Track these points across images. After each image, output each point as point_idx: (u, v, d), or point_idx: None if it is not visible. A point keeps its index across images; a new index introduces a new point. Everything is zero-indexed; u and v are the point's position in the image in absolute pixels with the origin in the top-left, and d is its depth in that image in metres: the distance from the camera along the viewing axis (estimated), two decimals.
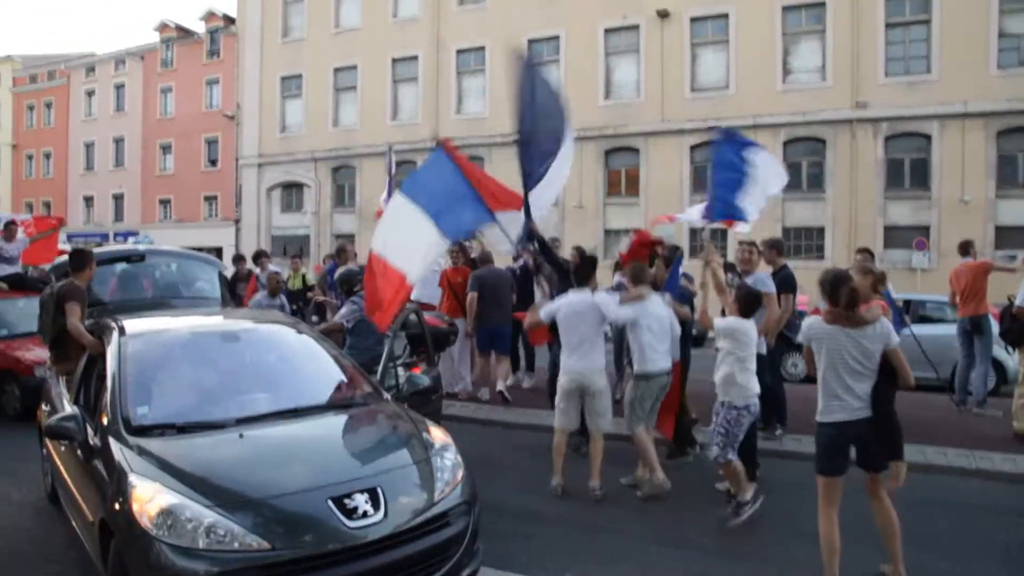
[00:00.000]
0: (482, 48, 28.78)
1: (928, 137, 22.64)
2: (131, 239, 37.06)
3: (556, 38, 27.66)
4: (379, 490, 3.47)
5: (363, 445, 4.05)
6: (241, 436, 3.70)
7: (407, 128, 30.02)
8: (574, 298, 6.04)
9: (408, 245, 5.88)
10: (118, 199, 41.39)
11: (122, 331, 4.45)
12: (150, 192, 39.89)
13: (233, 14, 36.68)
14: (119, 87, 41.59)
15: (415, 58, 30.38)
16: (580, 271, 6.28)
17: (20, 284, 9.75)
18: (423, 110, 29.98)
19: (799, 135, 24.12)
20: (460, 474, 3.90)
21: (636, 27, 26.45)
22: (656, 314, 6.15)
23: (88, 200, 42.74)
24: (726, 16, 25.23)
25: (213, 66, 37.73)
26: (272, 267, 10.34)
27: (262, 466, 3.52)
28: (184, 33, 39.36)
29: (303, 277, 10.52)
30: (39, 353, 8.39)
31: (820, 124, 23.65)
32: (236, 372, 4.51)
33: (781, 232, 22.61)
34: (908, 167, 23.10)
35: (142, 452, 3.52)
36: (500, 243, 7.01)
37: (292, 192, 33.99)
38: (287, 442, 3.81)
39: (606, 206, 26.98)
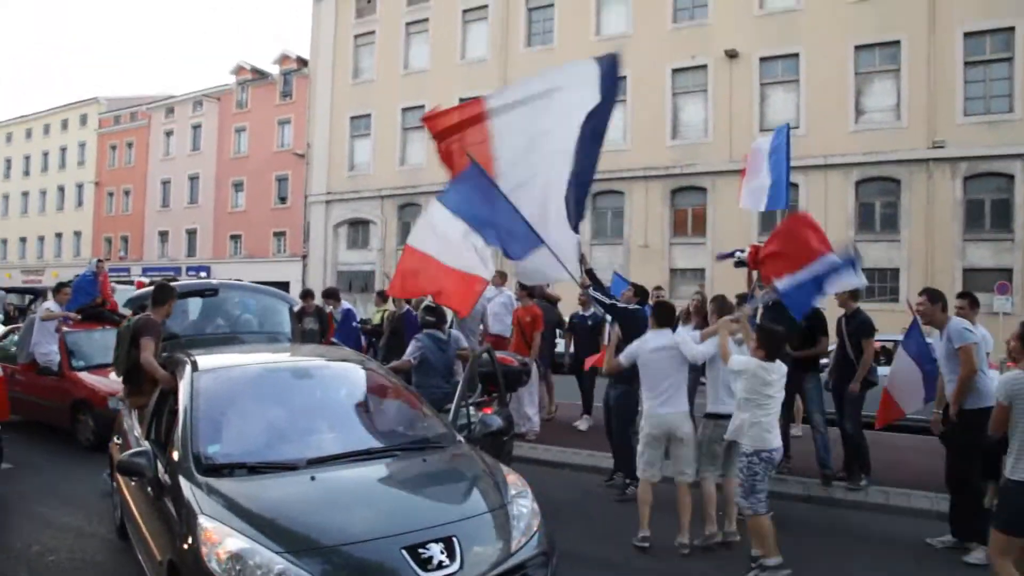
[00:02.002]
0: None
1: (1011, 177, 21.73)
2: (202, 273, 38.20)
3: (623, 78, 27.62)
4: (455, 539, 3.30)
5: (438, 490, 3.88)
6: (313, 479, 3.57)
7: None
8: (653, 340, 5.80)
9: (450, 242, 5.91)
10: (191, 234, 42.77)
11: (195, 366, 4.40)
12: (222, 228, 41.10)
13: (306, 56, 37.89)
14: (196, 127, 43.26)
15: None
16: (659, 312, 6.04)
17: (97, 316, 10.01)
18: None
19: (872, 175, 23.47)
20: (537, 522, 3.70)
21: (704, 67, 26.28)
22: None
23: (163, 235, 44.29)
24: (796, 56, 24.88)
25: (285, 107, 38.95)
26: (346, 304, 10.37)
27: (334, 511, 3.39)
28: (259, 75, 40.81)
29: (383, 314, 10.43)
30: (114, 385, 8.56)
31: (894, 164, 22.97)
32: (307, 410, 4.40)
33: None
34: (989, 208, 22.17)
35: (212, 492, 3.43)
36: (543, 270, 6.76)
37: (358, 229, 34.58)
38: (359, 486, 3.68)
39: (672, 246, 26.60)
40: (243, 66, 41.19)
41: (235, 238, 40.72)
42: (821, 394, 7.38)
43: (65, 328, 9.48)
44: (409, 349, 6.77)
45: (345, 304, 10.29)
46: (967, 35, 22.46)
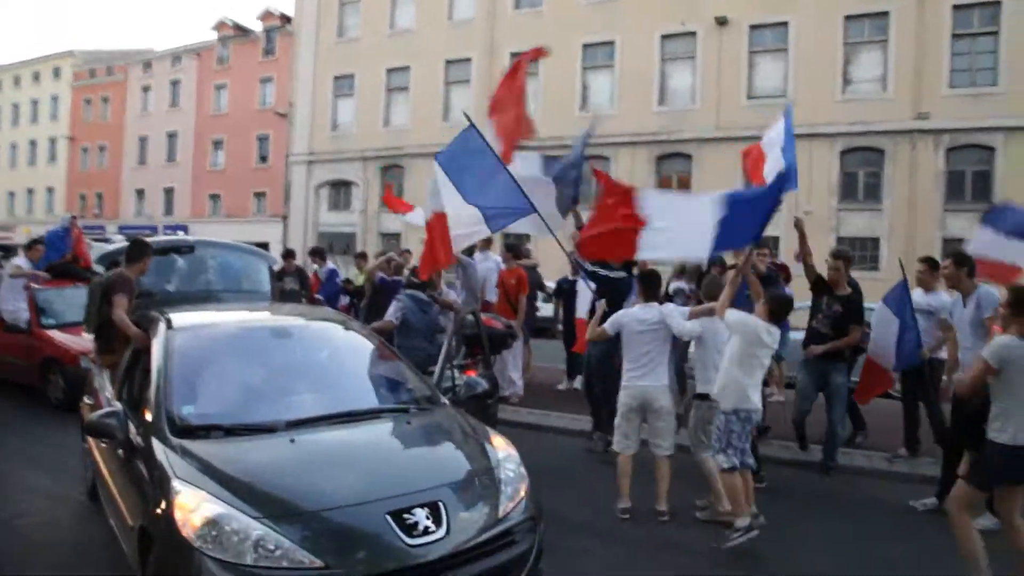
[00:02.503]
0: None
1: (992, 150, 21.81)
2: (180, 232, 37.68)
3: (611, 43, 27.31)
4: (440, 504, 3.22)
5: (423, 454, 3.79)
6: (293, 441, 3.44)
7: (459, 130, 29.76)
8: (641, 312, 5.75)
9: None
10: (169, 193, 42.11)
11: (169, 324, 4.23)
12: (201, 187, 40.50)
13: (290, 13, 37.07)
14: (175, 83, 42.34)
15: (468, 60, 30.29)
16: (646, 284, 5.96)
17: (69, 273, 9.79)
18: (475, 113, 29.69)
19: (856, 145, 23.43)
20: (524, 487, 3.63)
21: (693, 34, 25.96)
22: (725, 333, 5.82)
23: (140, 193, 43.57)
24: (785, 24, 24.64)
25: (268, 64, 38.20)
26: (330, 264, 10.22)
27: (315, 475, 3.25)
28: (241, 32, 39.94)
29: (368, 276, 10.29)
30: (85, 343, 8.39)
31: (879, 135, 22.93)
32: (286, 371, 4.23)
33: (836, 242, 22.07)
34: (970, 179, 22.28)
35: (186, 454, 3.29)
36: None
37: (340, 190, 34.16)
38: (342, 449, 3.55)
39: None
40: (225, 22, 40.28)
41: (214, 197, 40.16)
42: (845, 391, 6.84)
43: (35, 285, 9.26)
44: (390, 310, 6.67)
45: (330, 264, 10.15)
46: (955, 8, 22.34)
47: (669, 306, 6.01)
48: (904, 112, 22.58)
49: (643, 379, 5.65)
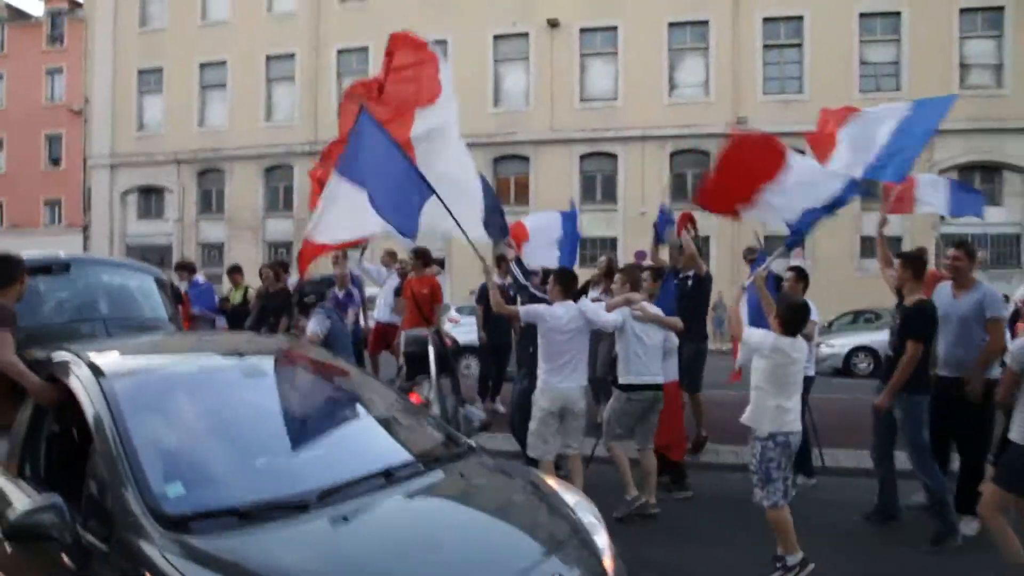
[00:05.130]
0: (365, 48, 27.50)
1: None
2: None
3: (444, 42, 26.84)
4: None
5: (506, 516, 3.03)
6: (345, 520, 2.60)
7: (282, 130, 28.31)
8: (559, 311, 5.47)
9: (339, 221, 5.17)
10: None
11: (95, 369, 3.17)
12: None
13: None
14: None
15: (292, 56, 28.68)
16: (563, 282, 5.67)
17: None
18: (301, 111, 28.32)
19: (685, 147, 24.71)
20: (607, 535, 3.05)
21: (526, 35, 26.21)
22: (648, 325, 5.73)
23: None
24: (615, 29, 25.50)
25: (55, 54, 34.14)
26: (199, 277, 9.02)
27: (404, 570, 2.45)
28: (17, 14, 35.36)
29: (245, 292, 9.06)
30: None
31: (705, 137, 24.26)
32: (274, 421, 3.30)
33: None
34: None
35: (205, 561, 2.32)
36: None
37: (151, 197, 31.10)
38: (409, 525, 2.75)
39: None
40: None
41: None
42: (919, 425, 5.14)
43: None
44: (313, 324, 5.84)
45: (199, 277, 8.97)
46: (765, 20, 24.22)
47: (585, 301, 5.87)
48: (726, 116, 24.06)
49: (564, 381, 5.45)
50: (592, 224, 25.41)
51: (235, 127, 29.19)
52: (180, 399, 3.24)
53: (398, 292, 8.59)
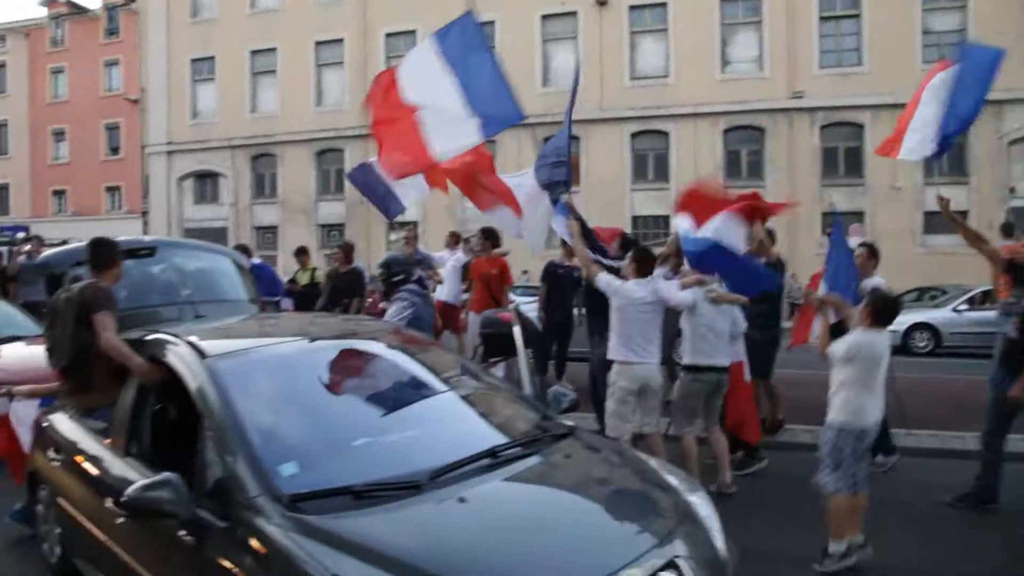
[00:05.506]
0: (413, 32, 27.55)
1: (861, 126, 23.14)
2: (20, 234, 33.91)
3: (492, 23, 26.72)
4: (679, 562, 2.53)
5: (620, 498, 3.01)
6: (463, 500, 2.60)
7: (333, 114, 28.57)
8: (636, 288, 5.46)
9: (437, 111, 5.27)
10: (2, 190, 37.83)
11: (198, 350, 3.24)
12: (41, 182, 36.61)
13: None
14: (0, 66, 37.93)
15: (340, 41, 28.86)
16: (641, 260, 5.65)
17: None
18: (351, 96, 28.49)
19: (738, 123, 24.24)
20: (717, 520, 3.00)
21: (574, 14, 25.93)
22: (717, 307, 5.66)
23: None
24: (664, 5, 25.07)
25: (112, 46, 34.90)
26: (256, 259, 9.15)
27: (524, 551, 2.43)
28: (77, 9, 36.23)
29: (312, 273, 9.12)
30: None
31: (758, 113, 23.81)
32: (375, 402, 3.35)
33: None
34: (843, 155, 23.58)
35: (330, 540, 2.32)
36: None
37: (207, 182, 31.76)
38: (522, 506, 2.73)
39: None
40: None
41: (59, 193, 36.42)
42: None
43: None
44: (394, 310, 5.76)
45: (255, 259, 9.10)
46: None
47: (659, 280, 5.79)
48: (780, 91, 23.53)
49: (641, 359, 5.44)
50: (644, 203, 25.19)
51: (286, 112, 29.55)
52: (283, 379, 3.29)
53: (465, 274, 8.54)
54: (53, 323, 4.09)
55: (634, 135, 25.41)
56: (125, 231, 31.67)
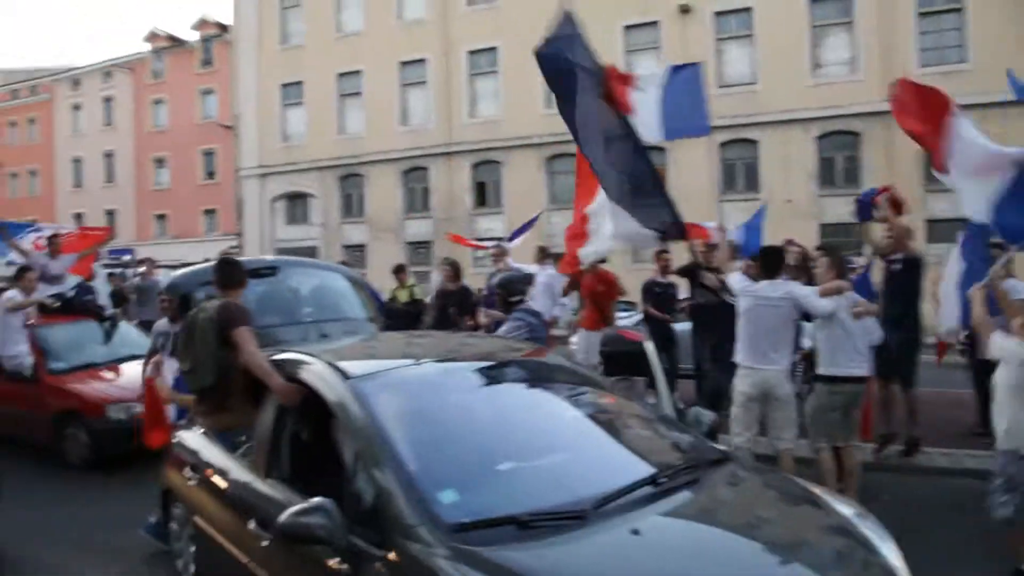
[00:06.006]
0: (494, 48, 27.83)
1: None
2: (125, 256, 35.70)
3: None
4: None
5: (791, 529, 2.78)
6: (636, 532, 2.42)
7: (418, 134, 29.04)
8: (768, 288, 5.20)
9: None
10: (110, 215, 39.92)
11: (340, 371, 3.15)
12: (145, 208, 38.52)
13: (227, 21, 35.47)
14: (108, 100, 40.22)
15: (423, 61, 29.34)
16: (769, 261, 5.44)
17: (67, 307, 8.60)
18: (435, 114, 28.94)
19: (832, 129, 23.41)
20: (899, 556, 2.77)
21: (656, 23, 25.63)
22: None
23: (78, 217, 41.06)
24: (750, 10, 24.48)
25: (207, 76, 36.54)
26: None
27: None
28: (175, 42, 38.11)
29: (411, 290, 9.14)
30: (112, 390, 7.30)
31: (853, 118, 22.92)
32: (524, 426, 3.19)
33: (819, 229, 22.13)
34: None
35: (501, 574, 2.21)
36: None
37: (297, 203, 32.73)
38: (695, 538, 2.55)
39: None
40: (157, 33, 38.37)
41: (160, 218, 38.21)
42: None
43: (32, 322, 8.00)
44: (507, 328, 5.69)
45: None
46: None
47: (795, 283, 5.51)
48: (876, 93, 22.57)
49: (765, 363, 5.16)
50: (734, 214, 24.51)
51: (373, 133, 30.19)
52: (426, 401, 3.20)
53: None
54: (190, 343, 4.12)
55: (722, 144, 24.85)
56: (221, 252, 32.93)
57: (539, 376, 3.69)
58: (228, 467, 3.64)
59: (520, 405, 3.39)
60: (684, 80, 6.03)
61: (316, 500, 2.57)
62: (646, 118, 5.81)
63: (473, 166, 28.35)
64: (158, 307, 12.63)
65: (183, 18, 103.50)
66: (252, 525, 3.14)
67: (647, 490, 2.71)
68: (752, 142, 24.56)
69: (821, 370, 5.42)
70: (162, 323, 6.32)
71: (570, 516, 2.49)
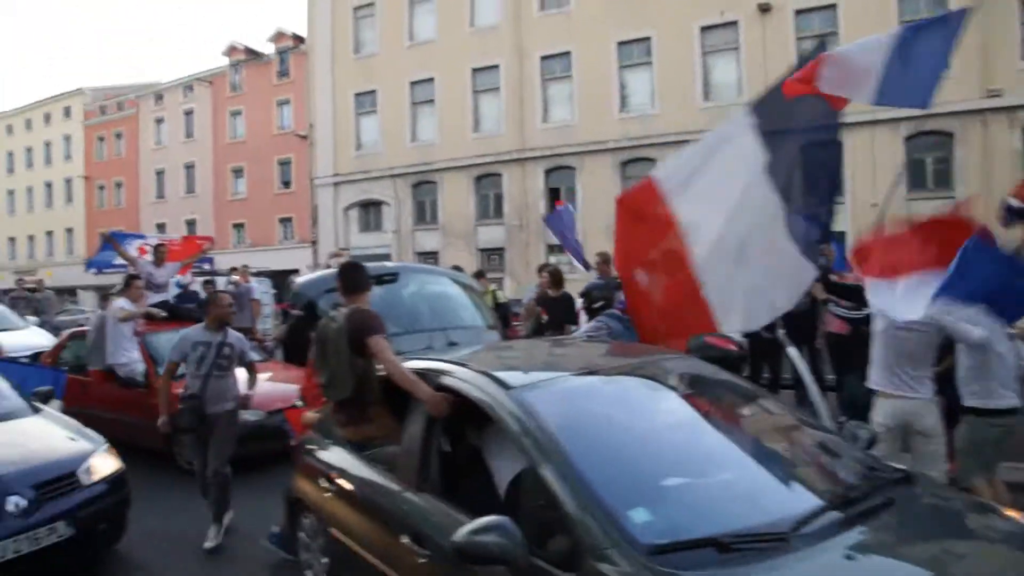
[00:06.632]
0: (567, 53, 27.65)
1: None
2: (206, 265, 36.64)
3: (647, 39, 26.36)
4: None
5: (994, 553, 2.52)
6: (850, 558, 2.21)
7: (490, 140, 29.05)
8: (904, 307, 4.74)
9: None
10: (190, 225, 41.13)
11: (500, 383, 2.96)
12: (223, 217, 39.56)
13: (303, 33, 36.21)
14: (188, 113, 41.50)
15: (496, 67, 29.36)
16: None
17: (173, 314, 8.75)
18: (507, 120, 28.91)
19: (922, 129, 22.43)
20: None
21: (735, 23, 25.05)
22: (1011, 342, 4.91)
23: (160, 227, 42.47)
24: (834, 7, 23.72)
25: (283, 87, 37.34)
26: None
27: None
28: (253, 55, 39.10)
29: (493, 295, 9.03)
30: None
31: (946, 117, 21.91)
32: (694, 439, 2.96)
33: None
34: None
35: None
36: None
37: (370, 211, 33.15)
38: (917, 562, 2.29)
39: None
40: (235, 46, 39.44)
41: (238, 227, 39.20)
42: None
43: (139, 330, 8.16)
44: (585, 328, 5.52)
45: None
46: None
47: (945, 305, 5.07)
48: (972, 90, 21.57)
49: (903, 391, 4.75)
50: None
51: (445, 140, 30.36)
52: (595, 413, 2.99)
53: None
54: (323, 354, 3.98)
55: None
56: (296, 260, 33.58)
57: (701, 386, 3.46)
58: (372, 479, 3.50)
59: (686, 417, 3.16)
60: (932, 35, 5.07)
61: (494, 518, 2.40)
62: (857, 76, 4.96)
63: (546, 172, 28.20)
64: (250, 314, 12.92)
65: (260, 31, 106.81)
66: (405, 540, 3.00)
67: (838, 513, 2.47)
68: (838, 143, 23.70)
69: (973, 401, 4.92)
70: (195, 330, 5.79)
71: (773, 538, 2.27)
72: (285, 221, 37.29)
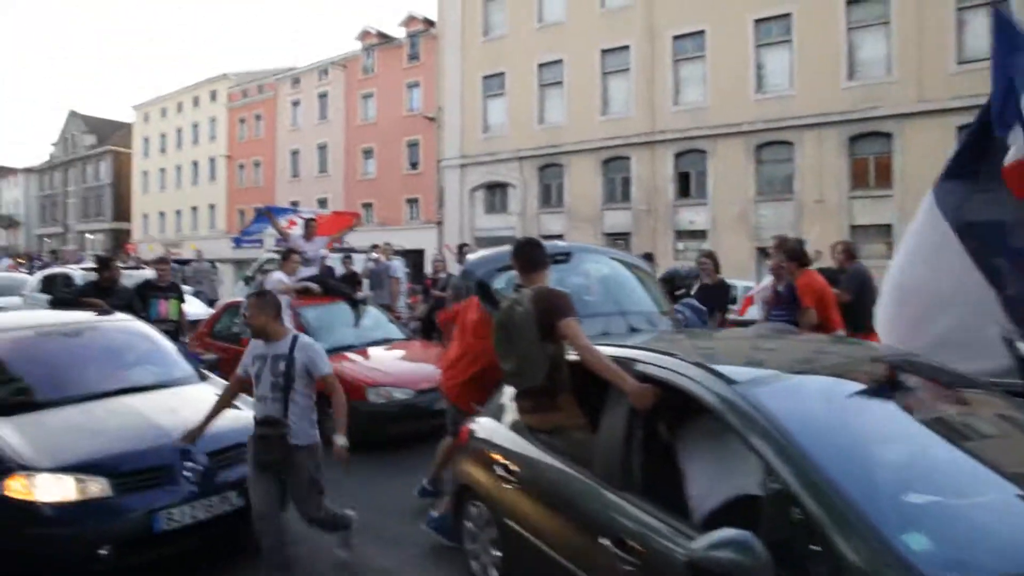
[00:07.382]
0: (701, 32, 26.72)
1: None
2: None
3: (787, 16, 25.07)
4: None
5: None
6: None
7: (619, 123, 28.54)
8: None
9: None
10: (322, 204, 42.62)
11: (722, 377, 2.72)
12: (353, 196, 40.80)
13: (433, 17, 36.69)
14: (322, 96, 42.98)
15: (626, 48, 28.74)
16: None
17: (327, 290, 8.97)
18: (636, 102, 28.28)
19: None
20: None
21: (788, 15, 24.32)
22: None
23: (294, 205, 44.40)
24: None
25: (413, 70, 37.99)
26: None
27: None
28: (385, 39, 39.96)
29: None
30: (372, 373, 7.46)
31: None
32: (947, 449, 2.63)
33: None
34: None
35: None
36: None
37: (496, 193, 33.36)
38: None
39: (852, 200, 24.04)
40: (368, 31, 40.43)
41: (367, 206, 40.32)
42: None
43: (294, 304, 8.40)
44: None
45: None
46: None
47: None
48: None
49: None
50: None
51: (573, 122, 30.06)
52: (835, 415, 2.69)
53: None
54: (509, 340, 3.74)
55: (960, 128, 22.33)
56: (422, 240, 34.26)
57: (938, 388, 3.09)
58: (562, 472, 3.32)
59: (932, 423, 2.82)
60: None
61: (735, 533, 2.18)
62: None
63: (676, 155, 27.44)
64: (388, 292, 13.14)
65: (392, 16, 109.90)
66: (605, 542, 2.83)
67: None
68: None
69: None
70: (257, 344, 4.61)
71: None
72: (412, 201, 38.08)
